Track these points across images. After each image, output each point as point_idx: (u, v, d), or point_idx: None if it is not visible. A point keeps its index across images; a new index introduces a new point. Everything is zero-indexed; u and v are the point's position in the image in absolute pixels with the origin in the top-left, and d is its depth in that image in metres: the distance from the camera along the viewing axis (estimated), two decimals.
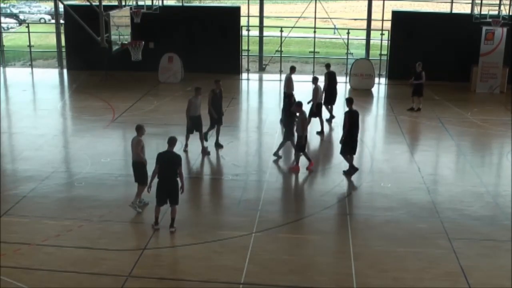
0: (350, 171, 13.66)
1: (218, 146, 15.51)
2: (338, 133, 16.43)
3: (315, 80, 17.07)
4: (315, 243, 10.76)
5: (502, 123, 18.40)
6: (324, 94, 17.65)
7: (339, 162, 14.63)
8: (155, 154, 13.73)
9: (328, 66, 19.03)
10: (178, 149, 13.69)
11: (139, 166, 11.68)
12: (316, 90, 16.88)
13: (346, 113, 13.76)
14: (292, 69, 18.05)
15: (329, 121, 18.11)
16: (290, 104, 15.15)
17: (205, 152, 15.07)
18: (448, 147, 16.37)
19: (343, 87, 23.87)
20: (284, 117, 15.75)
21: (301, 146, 13.89)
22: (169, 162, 10.60)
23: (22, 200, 12.24)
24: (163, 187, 10.71)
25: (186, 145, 15.19)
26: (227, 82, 23.67)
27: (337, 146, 15.84)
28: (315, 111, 16.76)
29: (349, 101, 13.92)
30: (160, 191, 10.76)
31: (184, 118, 18.16)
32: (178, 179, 10.65)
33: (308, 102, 16.75)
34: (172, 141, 10.78)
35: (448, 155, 15.95)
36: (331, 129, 17.76)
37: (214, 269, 9.71)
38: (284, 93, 17.66)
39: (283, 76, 25.23)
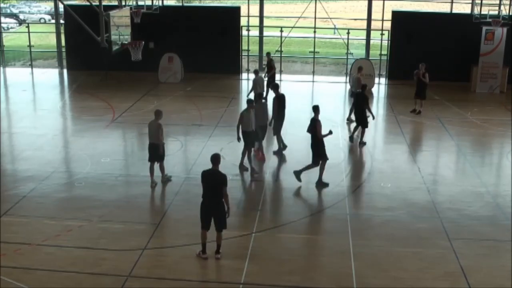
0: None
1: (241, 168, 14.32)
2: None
3: (256, 72, 18.61)
4: (315, 243, 10.76)
5: (502, 123, 18.40)
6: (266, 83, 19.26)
7: (338, 162, 14.65)
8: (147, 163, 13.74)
9: (268, 54, 21.47)
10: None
11: (158, 146, 12.86)
12: (255, 82, 18.25)
13: (275, 98, 15.35)
14: (360, 69, 19.03)
15: None
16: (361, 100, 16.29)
17: (250, 170, 13.98)
18: (448, 147, 16.37)
19: (342, 87, 23.92)
20: (356, 111, 16.51)
21: (263, 135, 14.92)
22: (213, 181, 9.68)
23: (22, 200, 12.24)
24: (207, 209, 9.79)
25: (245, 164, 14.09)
26: (227, 82, 23.71)
27: (335, 146, 15.87)
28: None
29: (275, 87, 15.75)
30: (203, 213, 9.84)
31: (184, 119, 18.17)
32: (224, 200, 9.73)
33: (249, 92, 18.29)
34: (216, 159, 9.79)
35: (448, 155, 15.95)
36: None
37: (214, 269, 9.72)
38: (352, 92, 18.39)
39: (283, 76, 25.39)
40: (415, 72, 18.92)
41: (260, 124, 14.58)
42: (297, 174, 13.24)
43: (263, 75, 20.42)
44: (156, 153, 13.00)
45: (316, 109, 13.44)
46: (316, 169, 13.31)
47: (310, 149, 13.28)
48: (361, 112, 16.17)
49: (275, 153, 15.32)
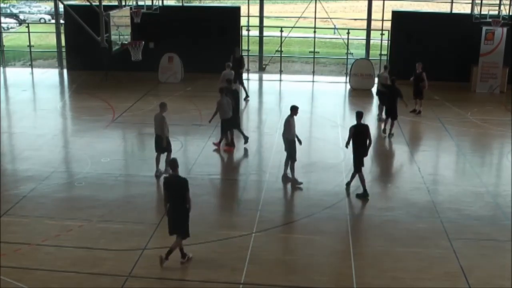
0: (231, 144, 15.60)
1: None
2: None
3: (227, 66, 19.20)
4: (315, 243, 10.75)
5: (502, 123, 18.40)
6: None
7: (338, 162, 14.65)
8: (154, 154, 13.85)
9: (237, 50, 21.96)
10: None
11: (161, 138, 13.25)
12: (223, 75, 18.64)
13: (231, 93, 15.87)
14: (386, 68, 19.13)
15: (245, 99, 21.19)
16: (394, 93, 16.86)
17: None
18: (448, 147, 16.37)
19: (342, 87, 23.92)
20: (388, 104, 17.13)
21: (224, 128, 15.29)
22: (175, 187, 9.59)
23: (22, 200, 12.25)
24: (169, 215, 9.74)
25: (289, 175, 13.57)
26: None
27: (334, 146, 15.89)
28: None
29: (228, 82, 16.53)
30: (168, 219, 9.81)
31: (184, 119, 18.17)
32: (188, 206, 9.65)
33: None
34: (174, 164, 9.67)
35: (448, 155, 15.95)
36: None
37: (214, 269, 9.71)
38: (378, 90, 18.72)
39: (283, 76, 25.41)
40: (412, 79, 19.04)
41: (223, 117, 15.08)
42: (348, 185, 12.89)
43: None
44: (159, 145, 13.37)
45: (360, 115, 12.82)
46: (317, 168, 13.31)
47: (356, 158, 12.62)
48: (393, 105, 16.65)
49: (245, 143, 15.79)
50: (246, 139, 15.87)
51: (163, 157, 13.66)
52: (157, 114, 13.43)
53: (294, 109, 13.15)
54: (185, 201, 9.56)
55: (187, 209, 9.60)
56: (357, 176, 12.68)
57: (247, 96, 21.29)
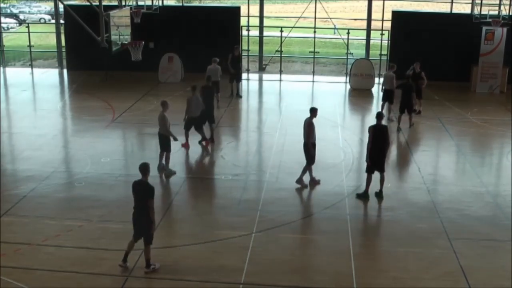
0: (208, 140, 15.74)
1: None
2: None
3: (214, 61, 19.33)
4: (315, 243, 10.76)
5: (502, 123, 18.40)
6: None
7: (338, 162, 14.65)
8: (155, 154, 13.86)
9: (237, 48, 21.85)
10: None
11: (164, 137, 13.42)
12: (208, 71, 18.81)
13: (202, 88, 16.14)
14: (392, 67, 19.21)
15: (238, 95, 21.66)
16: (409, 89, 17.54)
17: None
18: (448, 147, 16.37)
19: (342, 87, 23.91)
20: (403, 100, 17.57)
21: (199, 125, 15.44)
22: (139, 193, 9.30)
23: (22, 200, 12.24)
24: (134, 220, 9.49)
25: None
26: (227, 82, 23.65)
27: (334, 146, 15.89)
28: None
29: (207, 79, 16.62)
30: (133, 223, 9.52)
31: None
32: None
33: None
34: (144, 169, 9.35)
35: (448, 155, 15.95)
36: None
37: (214, 269, 9.71)
38: (384, 89, 18.87)
39: (283, 76, 25.41)
40: (409, 73, 18.98)
41: (188, 115, 15.20)
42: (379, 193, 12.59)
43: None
44: (161, 143, 13.58)
45: (381, 116, 12.48)
46: (317, 168, 13.29)
47: (378, 160, 12.30)
48: (409, 100, 17.31)
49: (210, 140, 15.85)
50: (202, 139, 15.71)
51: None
52: (160, 113, 13.56)
53: (314, 111, 12.80)
54: (148, 208, 9.23)
55: (149, 216, 9.25)
56: (365, 176, 12.57)
57: (237, 94, 21.54)
